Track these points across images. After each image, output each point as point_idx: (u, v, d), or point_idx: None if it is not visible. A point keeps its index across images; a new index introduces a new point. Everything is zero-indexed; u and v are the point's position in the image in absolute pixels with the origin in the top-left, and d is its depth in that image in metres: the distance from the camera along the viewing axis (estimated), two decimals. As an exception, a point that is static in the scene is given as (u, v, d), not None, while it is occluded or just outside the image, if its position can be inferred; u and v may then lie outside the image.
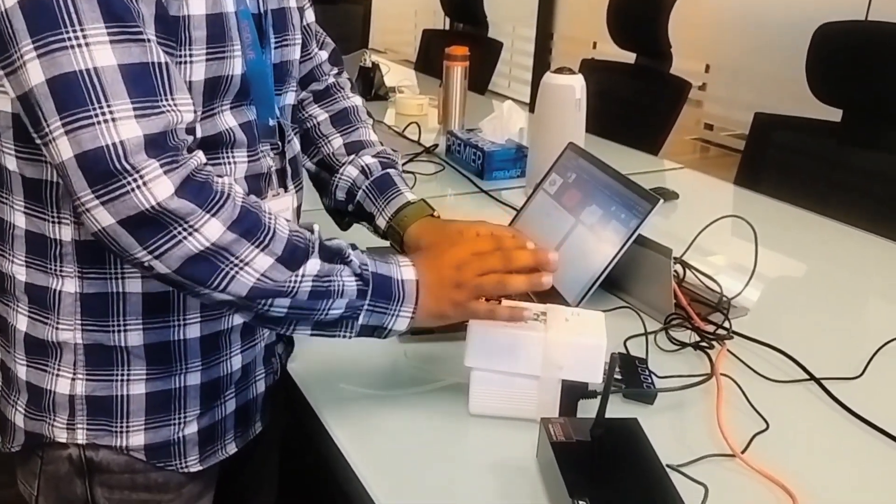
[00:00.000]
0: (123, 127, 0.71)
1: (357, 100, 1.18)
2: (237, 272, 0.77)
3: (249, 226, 0.78)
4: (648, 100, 2.63)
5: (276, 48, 0.95)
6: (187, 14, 0.79)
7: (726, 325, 1.19)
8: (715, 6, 3.36)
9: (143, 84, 0.73)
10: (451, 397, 1.00)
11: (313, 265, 0.82)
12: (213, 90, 0.84)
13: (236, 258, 0.77)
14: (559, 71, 1.70)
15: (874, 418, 1.01)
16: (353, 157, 1.13)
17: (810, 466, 0.92)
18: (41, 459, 0.93)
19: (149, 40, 0.74)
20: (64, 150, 0.71)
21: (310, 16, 1.12)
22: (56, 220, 0.83)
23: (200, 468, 0.94)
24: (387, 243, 1.11)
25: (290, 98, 1.01)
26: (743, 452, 0.92)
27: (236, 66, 0.85)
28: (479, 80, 3.09)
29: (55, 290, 0.85)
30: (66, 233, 0.83)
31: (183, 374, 0.90)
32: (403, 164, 1.92)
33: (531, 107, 2.27)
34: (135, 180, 0.71)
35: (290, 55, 0.99)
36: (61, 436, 0.89)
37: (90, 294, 0.85)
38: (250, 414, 1.00)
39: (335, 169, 1.13)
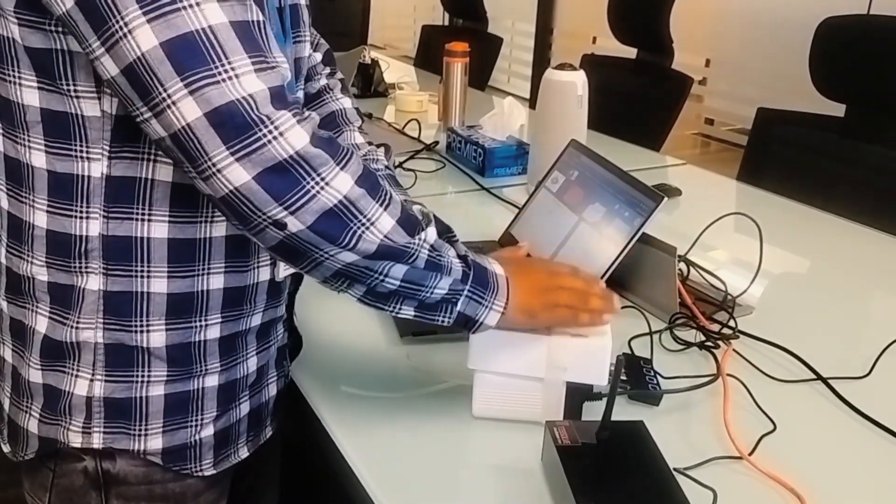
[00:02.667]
0: (248, 82, 0.70)
1: (346, 101, 1.17)
2: (364, 231, 0.77)
3: (373, 183, 0.78)
4: (650, 95, 2.62)
5: (292, 44, 0.94)
6: None
7: (731, 324, 1.18)
8: (716, 0, 3.34)
9: (253, 40, 0.72)
10: (455, 400, 0.99)
11: (431, 233, 0.84)
12: None
13: (364, 216, 0.77)
14: (561, 67, 1.68)
15: (882, 418, 0.99)
16: None
17: (818, 468, 0.91)
18: (53, 472, 0.90)
19: None
20: (189, 111, 0.69)
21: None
22: (84, 215, 0.81)
23: (214, 472, 0.93)
24: None
25: (300, 95, 1.01)
26: (750, 454, 0.91)
27: None
28: (479, 76, 3.07)
29: (79, 287, 0.83)
30: (94, 227, 0.81)
31: (202, 376, 0.89)
32: (404, 162, 1.93)
33: (531, 102, 2.26)
34: (270, 131, 0.71)
35: (302, 52, 0.98)
36: (76, 440, 0.87)
37: (114, 292, 0.83)
38: (262, 417, 0.98)
39: None
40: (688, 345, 1.14)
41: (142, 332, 0.84)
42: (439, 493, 0.86)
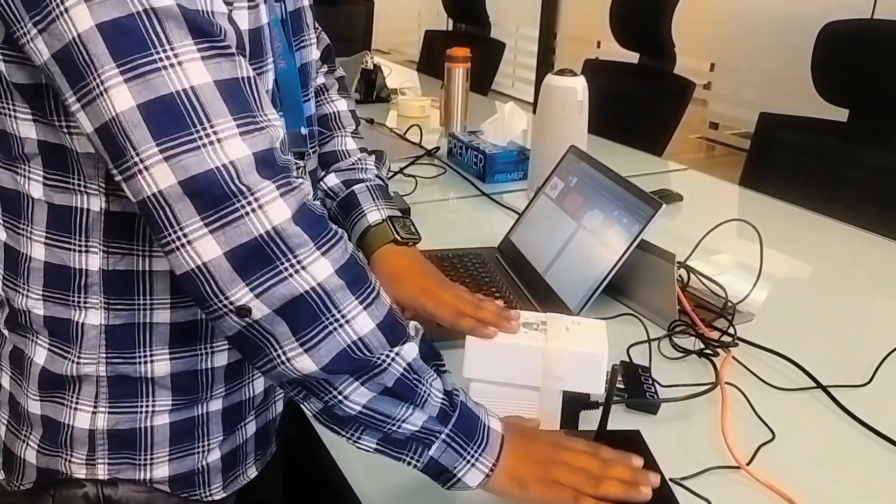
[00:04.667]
0: (231, 147, 0.66)
1: (341, 104, 1.14)
2: (336, 328, 0.69)
3: (357, 275, 0.71)
4: (652, 100, 2.61)
5: (296, 51, 0.91)
6: (238, 31, 0.75)
7: (731, 331, 1.18)
8: (719, 4, 3.33)
9: (241, 100, 0.68)
10: (451, 408, 0.98)
11: (411, 349, 0.74)
12: None
13: (338, 311, 0.69)
14: (561, 73, 1.68)
15: (883, 427, 0.99)
16: (323, 174, 1.12)
17: (817, 478, 0.90)
18: (52, 498, 0.88)
19: (236, 54, 0.69)
20: (163, 178, 0.65)
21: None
22: (83, 249, 0.79)
23: (224, 495, 0.91)
24: None
25: (313, 103, 0.98)
26: (748, 464, 0.90)
27: (270, 80, 0.82)
28: (482, 81, 3.07)
29: (77, 322, 0.81)
30: (94, 262, 0.79)
31: (206, 402, 0.87)
32: (405, 167, 1.92)
33: (535, 107, 2.25)
34: (249, 203, 0.66)
35: (308, 56, 0.95)
36: (79, 472, 0.85)
37: (116, 326, 0.81)
38: (269, 435, 0.97)
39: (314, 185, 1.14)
40: (687, 352, 1.14)
41: (145, 362, 0.82)
42: (434, 502, 0.85)
